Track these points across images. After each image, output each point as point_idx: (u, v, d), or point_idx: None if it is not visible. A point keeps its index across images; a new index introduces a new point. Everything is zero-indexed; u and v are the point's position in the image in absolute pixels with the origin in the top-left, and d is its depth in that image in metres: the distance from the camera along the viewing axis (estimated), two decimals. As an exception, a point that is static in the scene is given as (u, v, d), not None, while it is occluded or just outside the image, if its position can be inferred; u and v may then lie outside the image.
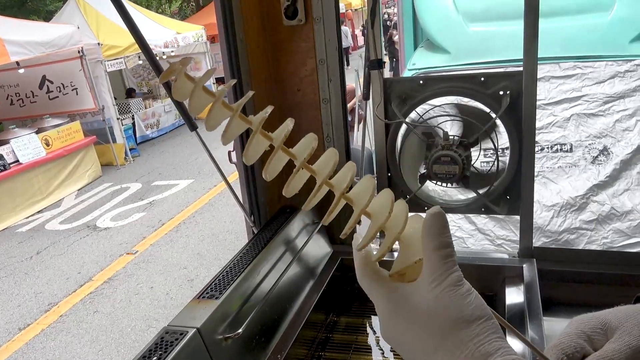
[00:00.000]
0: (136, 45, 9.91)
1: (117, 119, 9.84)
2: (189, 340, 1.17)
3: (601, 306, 1.71)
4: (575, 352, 0.67)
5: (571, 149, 3.42)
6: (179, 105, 1.55)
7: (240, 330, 1.29)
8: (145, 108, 11.20)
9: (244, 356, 1.34)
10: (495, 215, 3.32)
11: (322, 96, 1.86)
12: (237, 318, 1.34)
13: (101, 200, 8.35)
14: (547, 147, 3.43)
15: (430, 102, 1.70)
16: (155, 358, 1.12)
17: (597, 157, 3.35)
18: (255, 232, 1.75)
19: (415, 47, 5.19)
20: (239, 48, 1.67)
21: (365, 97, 1.95)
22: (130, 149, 10.34)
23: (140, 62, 10.89)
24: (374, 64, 1.76)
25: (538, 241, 3.10)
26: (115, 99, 9.91)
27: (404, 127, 1.76)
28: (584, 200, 3.24)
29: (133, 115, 10.79)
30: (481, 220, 3.32)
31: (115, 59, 9.66)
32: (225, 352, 1.26)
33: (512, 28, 3.61)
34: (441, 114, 1.67)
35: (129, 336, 4.74)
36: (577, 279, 1.75)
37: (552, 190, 3.29)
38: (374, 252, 0.61)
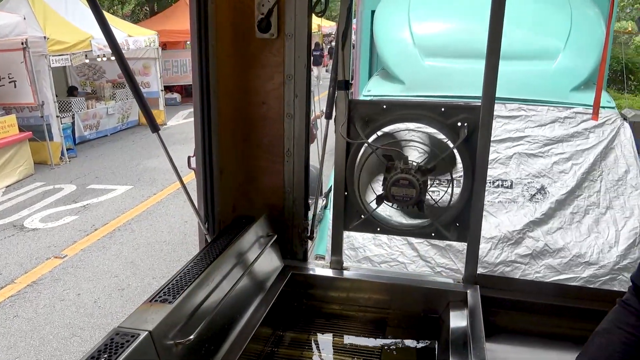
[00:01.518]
0: (84, 43, 9.66)
1: (57, 116, 9.45)
2: (140, 343, 1.14)
3: (538, 335, 1.79)
4: None
5: (511, 185, 3.58)
6: (143, 104, 1.52)
7: (192, 337, 1.27)
8: (88, 108, 10.82)
9: (192, 364, 1.31)
10: (437, 243, 3.43)
11: (287, 111, 1.88)
12: (189, 324, 1.32)
13: (31, 200, 7.95)
14: (490, 182, 3.58)
15: (392, 126, 1.75)
16: (104, 359, 1.08)
17: (534, 195, 3.53)
18: (209, 240, 1.73)
19: (370, 75, 5.32)
20: (210, 55, 1.67)
21: (328, 116, 1.98)
22: (67, 149, 9.93)
23: (87, 61, 10.56)
24: (341, 85, 1.80)
25: (475, 271, 3.21)
26: (56, 96, 9.52)
27: (364, 148, 1.80)
28: (520, 235, 3.39)
29: (74, 115, 10.39)
30: (423, 247, 3.41)
31: (60, 55, 9.31)
32: (175, 358, 1.24)
33: (466, 66, 3.78)
34: (404, 139, 1.72)
35: (50, 344, 4.50)
36: (517, 307, 1.83)
37: (491, 223, 3.43)
38: None
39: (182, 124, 12.69)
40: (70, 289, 5.42)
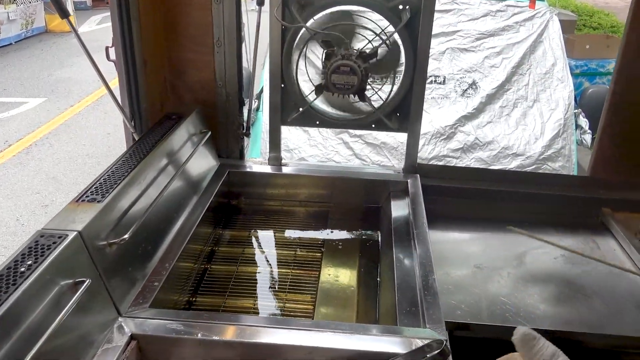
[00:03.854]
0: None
1: (-51, 22, 8.44)
2: (69, 244, 1.04)
3: (476, 219, 1.83)
4: None
5: (444, 81, 3.59)
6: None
7: (126, 236, 1.18)
8: (-15, 13, 9.74)
9: (129, 264, 1.23)
10: (371, 142, 3.43)
11: (214, -6, 1.70)
12: (122, 224, 1.22)
13: None
14: (423, 79, 3.56)
15: (332, 9, 1.63)
16: (30, 262, 0.98)
17: (466, 90, 3.56)
18: (137, 139, 1.60)
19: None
20: None
21: (260, 2, 1.82)
22: (-34, 60, 8.99)
23: (-23, -43, 9.35)
24: (272, -37, 1.64)
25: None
26: (-55, -2, 8.45)
27: (302, 33, 1.68)
28: (452, 130, 3.45)
29: (-31, 21, 9.33)
30: (358, 145, 3.40)
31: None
32: (109, 259, 1.15)
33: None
34: (343, 23, 1.61)
35: (-27, 265, 4.26)
36: (456, 194, 1.85)
37: (424, 119, 3.44)
38: None
39: (95, 30, 11.69)
40: (-12, 208, 5.10)
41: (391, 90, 1.71)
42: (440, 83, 3.56)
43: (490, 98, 3.53)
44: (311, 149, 3.43)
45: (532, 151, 3.41)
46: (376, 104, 1.73)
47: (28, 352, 0.87)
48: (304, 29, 1.64)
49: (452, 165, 3.25)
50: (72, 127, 7.00)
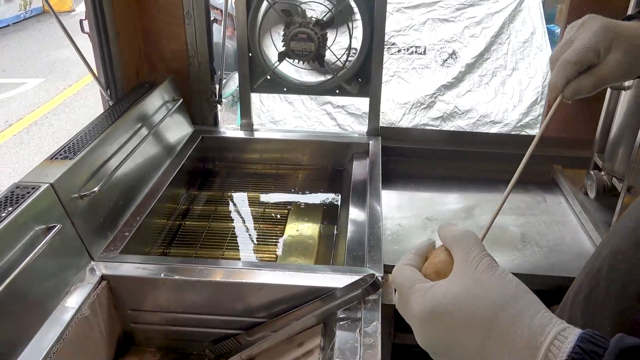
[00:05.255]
0: None
1: (-53, 5, 8.52)
2: (41, 194, 1.17)
3: (434, 177, 1.94)
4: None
5: (424, 51, 3.67)
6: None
7: (96, 189, 1.31)
8: (-18, -5, 9.79)
9: (101, 215, 1.37)
10: (354, 112, 3.53)
11: (182, -32, 1.81)
12: (94, 179, 1.35)
13: None
14: (404, 49, 3.65)
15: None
16: (5, 212, 1.11)
17: (446, 60, 3.65)
18: (111, 105, 1.72)
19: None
20: None
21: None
22: (-34, 42, 9.09)
23: (-28, -61, 9.37)
24: (235, -63, 1.74)
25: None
26: (-58, -19, 8.52)
27: (264, 5, 1.79)
28: (432, 99, 3.55)
29: (-34, 3, 9.40)
30: (341, 116, 3.51)
31: None
32: (81, 209, 1.28)
33: None
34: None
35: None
36: (415, 154, 1.97)
37: (405, 89, 3.55)
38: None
39: (93, 10, 11.75)
40: (-9, 186, 5.25)
41: (345, 61, 1.82)
42: (420, 54, 3.65)
43: (470, 67, 3.62)
44: (295, 120, 3.54)
45: (510, 118, 3.51)
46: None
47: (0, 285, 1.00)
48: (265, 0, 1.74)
49: (411, 127, 3.34)
50: (71, 106, 7.12)
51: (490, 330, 0.51)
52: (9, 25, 10.48)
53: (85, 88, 7.69)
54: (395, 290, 0.66)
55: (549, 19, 5.58)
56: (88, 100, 7.24)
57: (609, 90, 1.60)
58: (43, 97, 7.41)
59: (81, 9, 11.77)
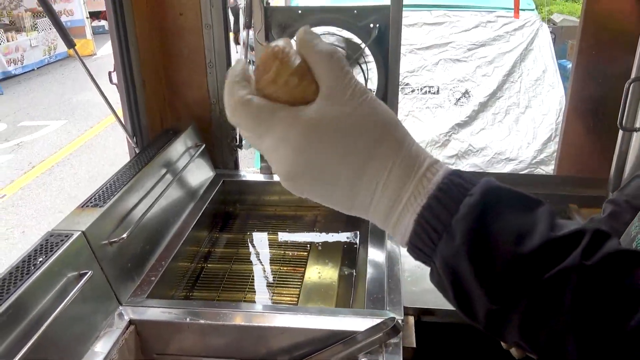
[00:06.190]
0: (-5, -30, 8.90)
1: (-25, 52, 8.87)
2: (74, 242, 1.23)
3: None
4: None
5: (438, 91, 3.74)
6: (53, 17, 1.51)
7: (124, 236, 1.36)
8: (8, 41, 10.17)
9: (129, 261, 1.41)
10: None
11: (205, 21, 1.90)
12: (122, 226, 1.41)
13: (-41, 142, 7.60)
14: (417, 89, 3.73)
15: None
16: (40, 259, 1.16)
17: (459, 99, 3.71)
18: (137, 153, 1.79)
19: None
20: (118, -34, 1.65)
21: (247, 25, 2.01)
22: (-8, 87, 9.42)
23: (0, -11, 9.81)
24: (255, -8, 1.83)
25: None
26: (-29, 29, 8.89)
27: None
28: (446, 137, 3.60)
29: (-7, 49, 9.77)
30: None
31: (-31, -16, 8.61)
32: (110, 255, 1.33)
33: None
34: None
35: (0, 280, 4.50)
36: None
37: (419, 128, 3.60)
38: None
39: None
40: (14, 227, 5.35)
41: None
42: (434, 93, 3.72)
43: (483, 106, 3.68)
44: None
45: (525, 155, 3.54)
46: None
47: (36, 332, 1.04)
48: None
49: None
50: (92, 147, 7.29)
51: (375, 149, 0.49)
52: (34, 69, 10.85)
53: (106, 129, 7.88)
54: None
55: (561, 54, 5.66)
56: (108, 141, 7.41)
57: (620, 131, 1.63)
58: (65, 138, 7.61)
59: (102, 52, 12.17)
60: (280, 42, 0.51)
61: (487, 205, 0.47)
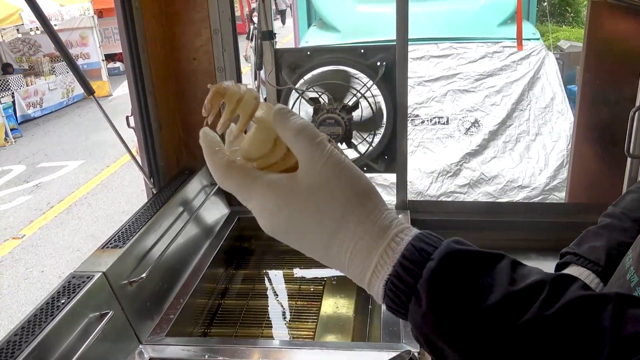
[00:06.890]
0: (14, 17, 9.26)
1: (-5, 97, 9.14)
2: (95, 283, 1.26)
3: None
4: None
5: (447, 121, 3.78)
6: (74, 67, 1.59)
7: (144, 275, 1.40)
8: (27, 85, 10.46)
9: (148, 299, 1.45)
10: (381, 182, 3.62)
11: (217, 65, 1.97)
12: (141, 265, 1.45)
13: (-20, 184, 7.78)
14: (427, 120, 3.78)
15: (317, 71, 1.87)
16: (63, 300, 1.20)
17: (469, 128, 3.75)
18: (155, 193, 1.84)
19: (309, 26, 5.38)
20: (135, 16, 1.73)
21: (259, 66, 2.08)
22: (11, 129, 9.64)
23: (20, 35, 10.15)
24: (265, 35, 1.90)
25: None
26: (-9, 75, 9.17)
27: (294, 93, 1.92)
28: (458, 167, 3.62)
29: (13, 93, 10.05)
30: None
31: (-10, 32, 8.94)
32: (130, 295, 1.37)
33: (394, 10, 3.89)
34: (326, 81, 1.85)
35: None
36: (446, 226, 2.02)
37: (431, 158, 3.64)
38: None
39: (128, 93, 12.40)
40: (33, 267, 5.43)
41: (372, 141, 1.92)
42: (443, 124, 3.76)
43: (493, 134, 3.71)
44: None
45: (538, 182, 3.54)
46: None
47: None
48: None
49: (440, 200, 3.40)
50: (109, 186, 7.41)
51: (343, 221, 0.52)
52: (51, 112, 11.12)
53: (122, 168, 8.01)
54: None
55: (570, 80, 5.70)
56: (125, 180, 7.53)
57: (629, 159, 1.65)
58: (83, 178, 7.75)
59: (117, 93, 12.47)
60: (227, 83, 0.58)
61: (447, 269, 0.49)
